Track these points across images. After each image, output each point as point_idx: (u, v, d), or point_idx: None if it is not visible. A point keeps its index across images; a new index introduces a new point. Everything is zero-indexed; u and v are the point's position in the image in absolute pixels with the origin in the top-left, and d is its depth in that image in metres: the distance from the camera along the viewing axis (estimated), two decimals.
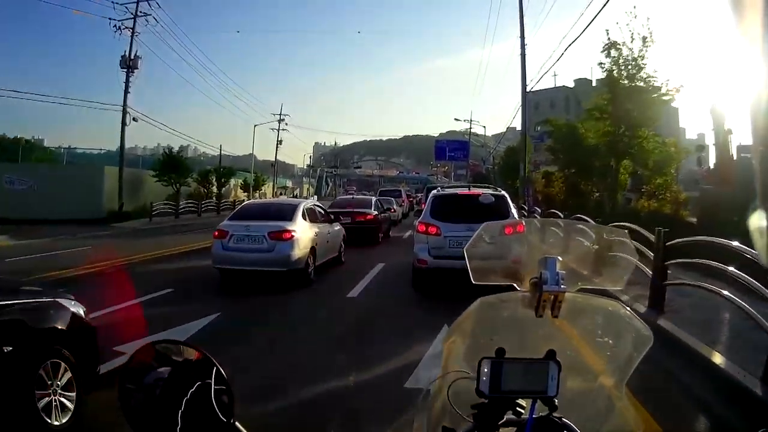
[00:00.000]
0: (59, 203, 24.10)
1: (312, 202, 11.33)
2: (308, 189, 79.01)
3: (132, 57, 28.20)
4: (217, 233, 9.08)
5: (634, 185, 18.49)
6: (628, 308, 1.17)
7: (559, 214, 12.94)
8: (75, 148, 50.31)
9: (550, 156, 24.59)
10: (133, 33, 28.25)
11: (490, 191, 9.10)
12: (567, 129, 21.99)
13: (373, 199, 18.43)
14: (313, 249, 9.33)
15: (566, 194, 23.23)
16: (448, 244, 8.01)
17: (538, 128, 36.08)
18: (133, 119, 28.04)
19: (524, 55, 22.95)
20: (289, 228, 8.85)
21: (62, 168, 28.72)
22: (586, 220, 9.77)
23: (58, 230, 18.96)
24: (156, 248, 14.17)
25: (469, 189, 9.37)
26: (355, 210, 15.72)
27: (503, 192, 9.26)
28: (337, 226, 11.39)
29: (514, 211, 8.78)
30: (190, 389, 0.95)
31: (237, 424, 0.97)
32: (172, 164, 30.03)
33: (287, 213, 9.36)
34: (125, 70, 28.05)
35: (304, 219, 9.46)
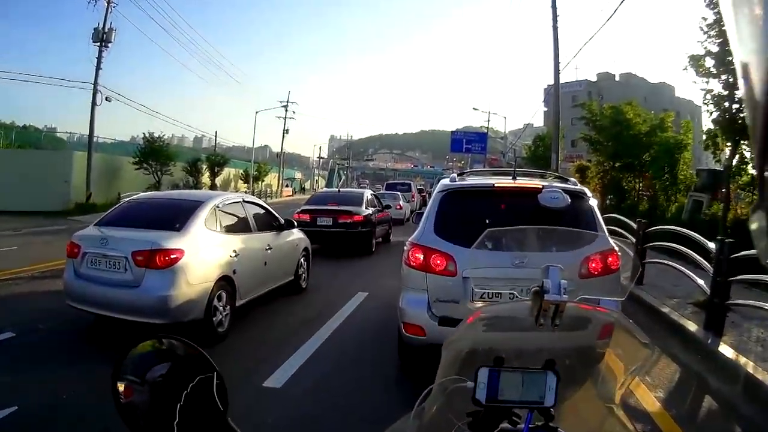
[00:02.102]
0: (23, 192, 20.90)
1: (239, 196, 7.07)
2: (318, 181, 75.82)
3: (106, 30, 25.25)
4: (68, 248, 5.28)
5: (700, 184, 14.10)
6: (630, 320, 1.10)
7: (629, 222, 9.09)
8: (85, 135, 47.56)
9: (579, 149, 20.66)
10: (109, 2, 25.39)
11: (557, 183, 4.61)
12: (611, 112, 17.93)
13: (367, 192, 13.81)
14: (225, 281, 5.38)
15: (603, 191, 19.26)
16: (470, 294, 3.92)
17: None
18: (106, 98, 25.15)
19: (556, 27, 19.41)
20: (170, 246, 4.85)
21: (25, 154, 25.44)
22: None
23: (4, 224, 15.80)
24: None
25: (514, 178, 4.59)
26: (339, 208, 11.78)
27: (580, 186, 4.66)
28: (293, 235, 7.45)
29: (602, 224, 4.32)
30: (191, 383, 0.93)
31: (229, 419, 0.94)
32: (152, 151, 26.71)
33: (179, 216, 5.31)
34: (98, 44, 25.05)
35: (211, 227, 5.49)
